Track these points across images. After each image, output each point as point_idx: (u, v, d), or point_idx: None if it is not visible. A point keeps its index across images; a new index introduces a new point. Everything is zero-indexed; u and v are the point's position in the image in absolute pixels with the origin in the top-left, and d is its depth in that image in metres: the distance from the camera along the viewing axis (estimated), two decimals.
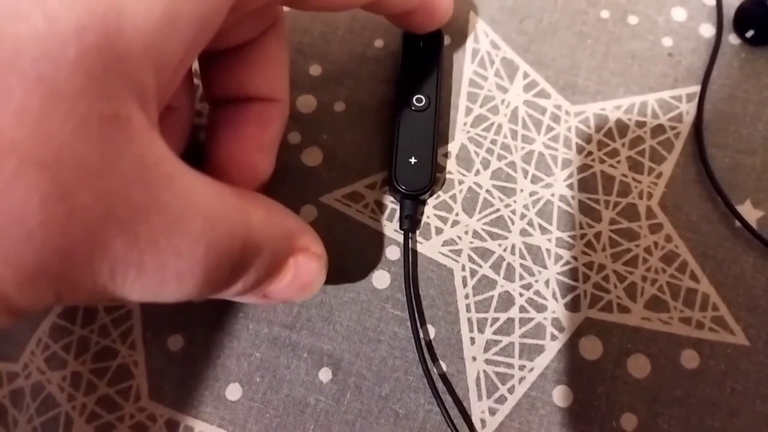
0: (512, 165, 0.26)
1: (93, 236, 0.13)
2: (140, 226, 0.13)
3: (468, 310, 0.24)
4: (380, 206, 0.25)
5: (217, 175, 0.17)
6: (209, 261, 0.15)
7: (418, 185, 0.24)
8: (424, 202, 0.25)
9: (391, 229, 0.25)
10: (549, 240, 0.25)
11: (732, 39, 0.28)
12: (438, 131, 0.25)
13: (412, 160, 0.24)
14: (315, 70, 0.27)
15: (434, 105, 0.25)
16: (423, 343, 0.23)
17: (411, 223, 0.24)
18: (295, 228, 0.19)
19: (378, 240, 0.25)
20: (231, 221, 0.16)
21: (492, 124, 0.26)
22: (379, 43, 0.28)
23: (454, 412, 0.23)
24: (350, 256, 0.25)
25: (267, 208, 0.18)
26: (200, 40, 0.16)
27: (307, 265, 0.19)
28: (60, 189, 0.12)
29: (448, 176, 0.26)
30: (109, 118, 0.13)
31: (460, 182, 0.26)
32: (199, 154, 0.22)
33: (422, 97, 0.25)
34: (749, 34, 0.27)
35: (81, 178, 0.12)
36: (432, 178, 0.24)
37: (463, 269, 0.24)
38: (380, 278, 0.24)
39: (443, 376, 0.23)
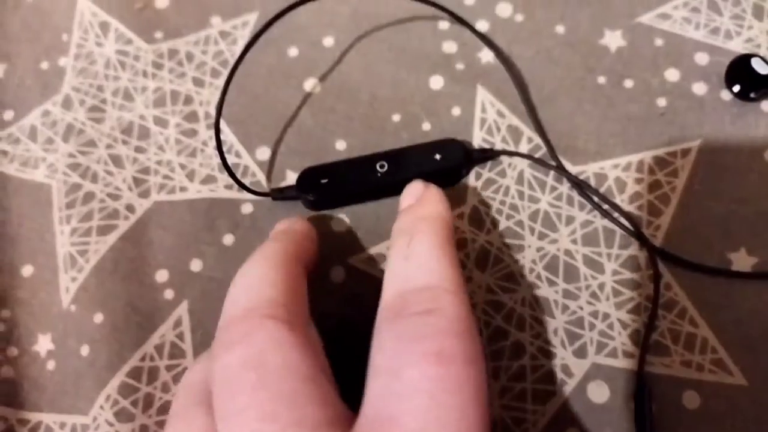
0: (520, 223, 0.28)
1: None
2: None
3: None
4: None
5: None
6: None
7: None
8: None
9: None
10: (556, 292, 0.27)
11: (724, 95, 0.30)
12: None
13: None
14: (341, 144, 0.31)
15: None
16: None
17: None
18: None
19: None
20: None
21: (500, 186, 0.29)
22: (396, 117, 0.31)
23: None
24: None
25: None
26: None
27: None
28: None
29: (461, 236, 0.28)
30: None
31: (473, 241, 0.28)
32: None
33: None
34: (736, 89, 0.29)
35: None
36: None
37: (478, 321, 0.27)
38: None
39: None
